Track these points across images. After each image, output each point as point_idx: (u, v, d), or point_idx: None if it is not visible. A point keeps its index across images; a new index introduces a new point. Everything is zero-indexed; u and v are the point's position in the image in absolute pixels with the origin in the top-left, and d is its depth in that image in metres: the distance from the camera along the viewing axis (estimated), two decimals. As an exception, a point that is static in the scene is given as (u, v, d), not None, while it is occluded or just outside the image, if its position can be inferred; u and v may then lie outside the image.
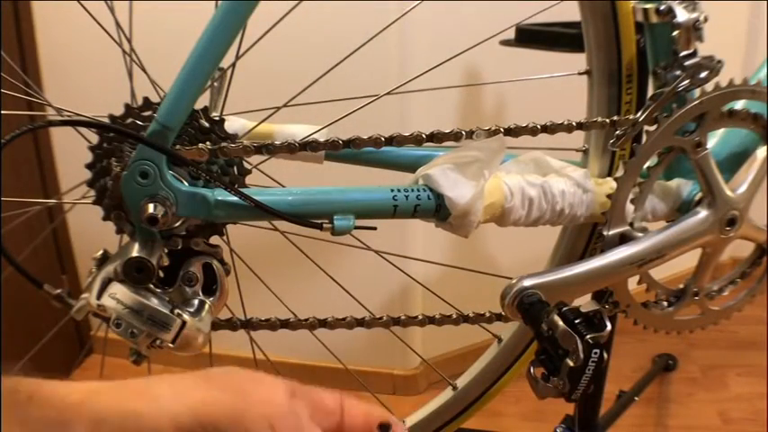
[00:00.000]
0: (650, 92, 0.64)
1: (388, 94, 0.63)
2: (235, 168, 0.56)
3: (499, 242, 1.32)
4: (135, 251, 0.52)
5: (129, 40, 0.60)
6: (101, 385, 0.30)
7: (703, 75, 0.61)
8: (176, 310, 0.52)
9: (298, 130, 0.68)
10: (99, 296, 0.51)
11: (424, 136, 0.57)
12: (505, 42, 0.92)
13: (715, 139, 0.68)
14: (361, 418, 0.37)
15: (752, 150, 0.68)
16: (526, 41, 0.90)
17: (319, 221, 0.55)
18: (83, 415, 0.28)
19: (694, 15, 0.60)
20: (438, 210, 0.57)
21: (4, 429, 0.27)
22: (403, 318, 0.66)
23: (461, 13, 1.12)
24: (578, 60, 0.68)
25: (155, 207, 0.50)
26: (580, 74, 0.67)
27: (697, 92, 0.61)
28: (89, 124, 0.52)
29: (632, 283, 0.65)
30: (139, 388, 0.31)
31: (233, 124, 0.66)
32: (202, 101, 0.54)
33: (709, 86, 0.61)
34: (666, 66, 0.62)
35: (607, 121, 0.62)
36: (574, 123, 0.61)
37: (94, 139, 0.54)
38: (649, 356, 1.42)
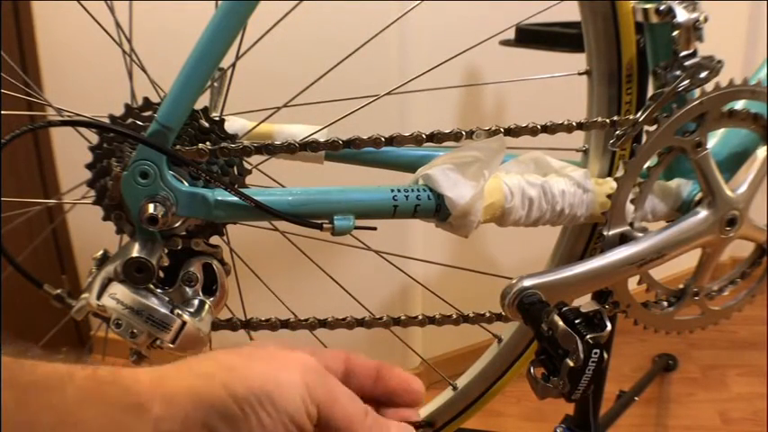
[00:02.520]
0: (650, 92, 0.64)
1: (388, 94, 0.63)
2: (235, 168, 0.56)
3: (499, 242, 1.32)
4: (135, 251, 0.52)
5: (129, 40, 0.60)
6: (164, 368, 0.33)
7: (703, 75, 0.61)
8: (176, 311, 0.52)
9: (298, 131, 0.68)
10: (99, 296, 0.51)
11: (424, 136, 0.57)
12: (505, 42, 0.92)
13: (715, 139, 0.68)
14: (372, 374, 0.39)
15: (752, 150, 0.68)
16: (526, 41, 0.90)
17: (319, 221, 0.55)
18: (156, 395, 0.31)
19: (694, 15, 0.60)
20: (438, 210, 0.57)
21: (84, 412, 0.29)
22: (403, 318, 0.66)
23: (461, 13, 1.12)
24: (578, 60, 0.68)
25: (155, 207, 0.50)
26: (580, 74, 0.67)
27: (697, 92, 0.61)
28: (89, 124, 0.52)
29: (632, 283, 0.65)
30: (195, 368, 0.34)
31: (233, 124, 0.66)
32: (202, 101, 0.54)
33: (709, 86, 0.61)
34: (666, 66, 0.62)
35: (607, 121, 0.62)
36: (574, 123, 0.61)
37: (94, 139, 0.54)
38: (649, 356, 1.42)
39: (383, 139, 0.56)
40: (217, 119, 0.55)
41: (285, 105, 0.62)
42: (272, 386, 0.33)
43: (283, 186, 0.62)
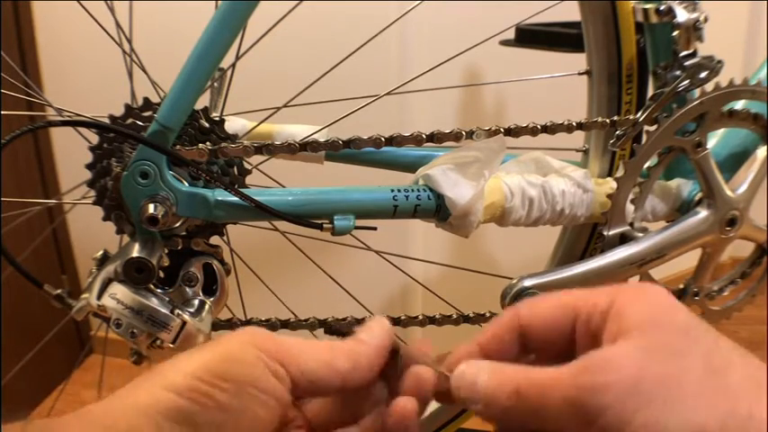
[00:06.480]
0: (650, 92, 0.64)
1: (388, 94, 0.63)
2: (235, 169, 0.56)
3: (499, 242, 1.32)
4: (135, 251, 0.52)
5: (129, 40, 0.60)
6: (92, 407, 0.30)
7: (703, 75, 0.61)
8: (176, 311, 0.52)
9: (298, 131, 0.68)
10: (99, 296, 0.51)
11: (424, 136, 0.57)
12: (505, 42, 0.92)
13: (715, 139, 0.68)
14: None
15: (752, 150, 0.68)
16: (526, 41, 0.90)
17: (319, 221, 0.55)
18: None
19: (694, 15, 0.60)
20: (438, 210, 0.57)
21: None
22: (403, 318, 0.66)
23: (461, 13, 1.12)
24: (578, 60, 0.68)
25: (155, 207, 0.50)
26: (580, 74, 0.67)
27: (697, 92, 0.61)
28: (89, 124, 0.52)
29: (632, 283, 0.65)
30: (131, 393, 0.30)
31: (233, 124, 0.66)
32: (202, 101, 0.54)
33: (709, 86, 0.61)
34: (666, 66, 0.62)
35: (607, 121, 0.62)
36: (574, 123, 0.61)
37: (94, 139, 0.54)
38: (649, 356, 1.42)
39: (383, 139, 0.56)
40: (217, 119, 0.55)
41: (285, 105, 0.62)
42: (219, 360, 0.29)
43: (283, 186, 0.62)
